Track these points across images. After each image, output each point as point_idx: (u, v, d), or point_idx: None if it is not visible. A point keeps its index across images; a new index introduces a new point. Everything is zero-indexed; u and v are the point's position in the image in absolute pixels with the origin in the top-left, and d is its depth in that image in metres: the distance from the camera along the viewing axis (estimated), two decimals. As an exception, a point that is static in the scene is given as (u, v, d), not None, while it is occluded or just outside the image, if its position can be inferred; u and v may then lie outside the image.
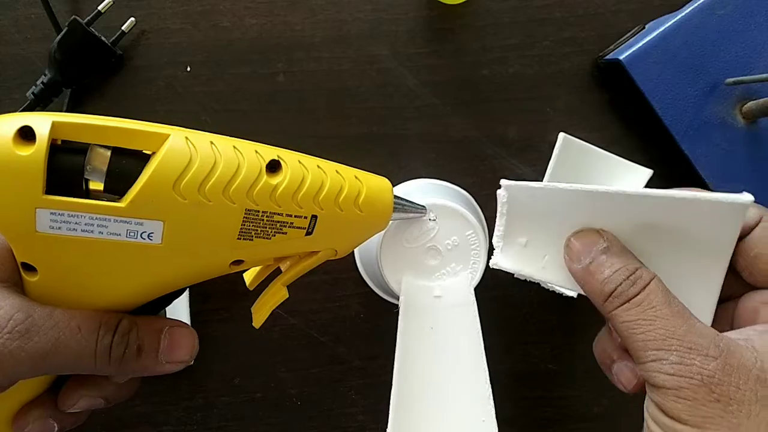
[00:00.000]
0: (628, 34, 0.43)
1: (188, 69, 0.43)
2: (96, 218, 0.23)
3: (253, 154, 0.25)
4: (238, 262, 0.27)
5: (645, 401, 0.26)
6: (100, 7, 0.41)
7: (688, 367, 0.23)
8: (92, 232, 0.24)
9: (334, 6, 0.43)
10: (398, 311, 0.35)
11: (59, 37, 0.41)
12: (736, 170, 0.41)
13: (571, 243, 0.29)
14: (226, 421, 0.44)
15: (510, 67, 0.44)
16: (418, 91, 0.44)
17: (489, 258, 0.37)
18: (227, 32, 0.43)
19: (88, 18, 0.41)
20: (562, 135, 0.41)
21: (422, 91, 0.44)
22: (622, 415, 0.45)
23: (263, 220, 0.26)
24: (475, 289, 0.36)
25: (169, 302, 0.29)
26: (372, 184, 0.29)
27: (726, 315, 0.28)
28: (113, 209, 0.23)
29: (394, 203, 0.30)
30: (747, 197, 0.25)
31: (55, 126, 0.23)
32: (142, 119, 0.24)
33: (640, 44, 0.41)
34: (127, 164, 0.24)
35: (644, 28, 0.43)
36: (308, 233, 0.27)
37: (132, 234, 0.24)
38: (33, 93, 0.41)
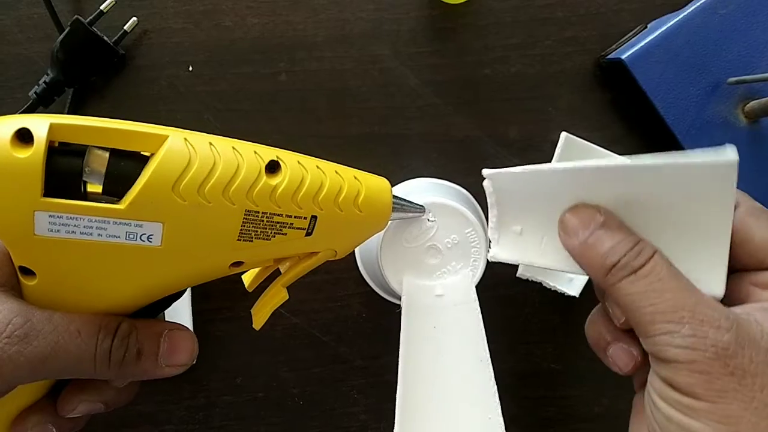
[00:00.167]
0: (630, 34, 0.43)
1: (190, 68, 0.43)
2: (95, 220, 0.23)
3: (252, 154, 0.25)
4: (238, 263, 0.27)
5: (649, 379, 0.25)
6: (102, 7, 0.41)
7: (702, 339, 0.22)
8: (91, 234, 0.23)
9: (336, 5, 0.43)
10: (400, 311, 0.35)
11: (61, 36, 0.41)
12: (738, 169, 0.41)
13: (567, 218, 0.28)
14: (228, 420, 0.44)
15: (512, 66, 0.44)
16: (420, 91, 0.44)
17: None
18: (229, 32, 0.43)
19: (91, 18, 0.41)
20: (564, 134, 0.41)
21: (424, 91, 0.44)
22: (624, 415, 0.45)
23: (263, 221, 0.26)
24: (477, 289, 0.36)
25: (169, 305, 0.29)
26: (371, 184, 0.29)
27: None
28: (112, 211, 0.23)
29: (393, 203, 0.30)
30: (731, 155, 0.24)
31: (53, 128, 0.22)
32: (144, 119, 0.24)
33: (643, 44, 0.41)
34: (125, 166, 0.24)
35: (646, 27, 0.43)
36: (308, 234, 0.27)
37: (131, 236, 0.24)
38: (35, 92, 0.41)
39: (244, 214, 0.25)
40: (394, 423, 0.32)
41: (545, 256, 0.30)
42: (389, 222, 0.32)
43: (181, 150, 0.24)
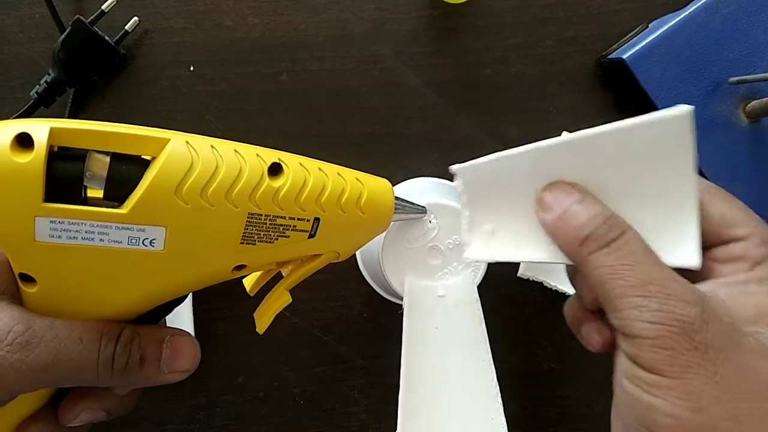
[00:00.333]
0: (632, 33, 0.43)
1: (191, 68, 0.43)
2: (97, 225, 0.23)
3: (254, 157, 0.25)
4: (241, 267, 0.27)
5: (616, 359, 0.25)
6: (103, 7, 0.41)
7: (668, 314, 0.22)
8: (93, 239, 0.23)
9: (337, 5, 0.43)
10: (402, 312, 0.35)
11: (63, 36, 0.41)
12: (739, 169, 0.41)
13: (543, 195, 0.28)
14: (229, 420, 0.44)
15: (512, 66, 0.44)
16: (421, 91, 0.44)
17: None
18: (230, 31, 0.43)
19: (92, 17, 0.41)
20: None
21: (425, 91, 0.44)
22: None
23: (266, 223, 0.25)
24: (478, 289, 0.36)
25: (170, 310, 0.28)
26: (373, 185, 0.29)
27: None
28: (114, 216, 0.23)
29: (395, 204, 0.30)
30: (685, 107, 0.24)
31: (53, 132, 0.22)
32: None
33: (644, 43, 0.41)
34: (127, 170, 0.23)
35: (647, 27, 0.43)
36: (311, 236, 0.27)
37: (134, 241, 0.24)
38: (36, 92, 0.41)
39: (247, 217, 0.25)
40: (395, 423, 0.32)
41: (519, 249, 0.30)
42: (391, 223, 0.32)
43: (183, 153, 0.24)
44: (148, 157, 0.24)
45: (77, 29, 0.41)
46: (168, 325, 0.29)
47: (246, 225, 0.25)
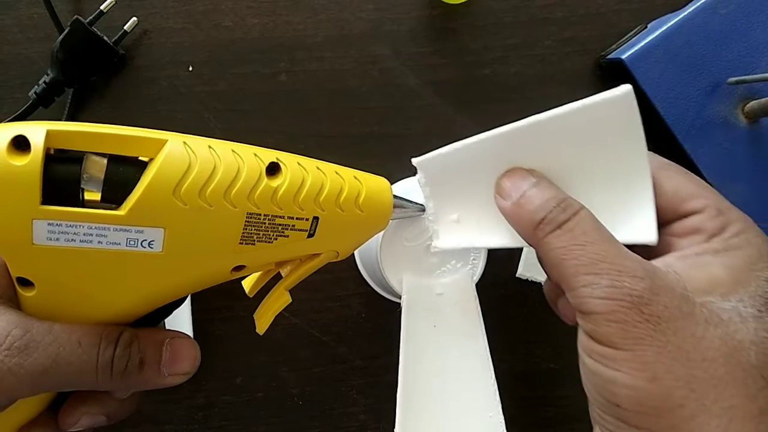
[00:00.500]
0: (630, 34, 0.43)
1: (190, 69, 0.43)
2: (95, 228, 0.23)
3: (252, 157, 0.25)
4: (240, 267, 0.27)
5: (578, 337, 0.25)
6: (102, 7, 0.41)
7: (619, 289, 0.23)
8: (91, 242, 0.23)
9: (336, 6, 0.43)
10: (400, 310, 0.35)
11: (61, 36, 0.41)
12: (738, 169, 0.41)
13: (501, 182, 0.29)
14: (227, 420, 0.44)
15: (511, 66, 0.44)
16: (420, 91, 0.44)
17: (489, 254, 0.37)
18: (229, 32, 0.43)
19: (91, 18, 0.41)
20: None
21: (424, 91, 0.44)
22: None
23: (265, 223, 0.25)
24: (477, 289, 0.36)
25: (169, 313, 0.28)
26: (371, 184, 0.29)
27: (639, 253, 0.28)
28: (113, 217, 0.23)
29: (394, 202, 0.30)
30: (626, 86, 0.25)
31: (49, 135, 0.22)
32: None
33: (643, 43, 0.41)
34: (124, 171, 0.23)
35: (646, 27, 0.43)
36: (310, 235, 0.27)
37: (132, 242, 0.24)
38: (35, 93, 0.41)
39: (246, 217, 0.25)
40: (394, 422, 0.32)
41: (483, 235, 0.31)
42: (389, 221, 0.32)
43: (181, 154, 0.23)
44: (145, 159, 0.24)
45: (76, 29, 0.41)
46: (166, 326, 0.29)
47: (245, 225, 0.25)
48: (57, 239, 0.23)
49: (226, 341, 0.44)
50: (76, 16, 0.40)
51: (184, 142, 0.24)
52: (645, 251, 0.26)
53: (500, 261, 0.43)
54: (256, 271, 0.31)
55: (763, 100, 0.40)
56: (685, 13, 0.41)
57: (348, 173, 0.28)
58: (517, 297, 0.45)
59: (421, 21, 0.44)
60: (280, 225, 0.26)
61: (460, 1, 0.43)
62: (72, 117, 0.43)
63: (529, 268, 0.42)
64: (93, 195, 0.23)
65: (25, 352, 0.23)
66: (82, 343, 0.24)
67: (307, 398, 0.45)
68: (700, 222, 0.26)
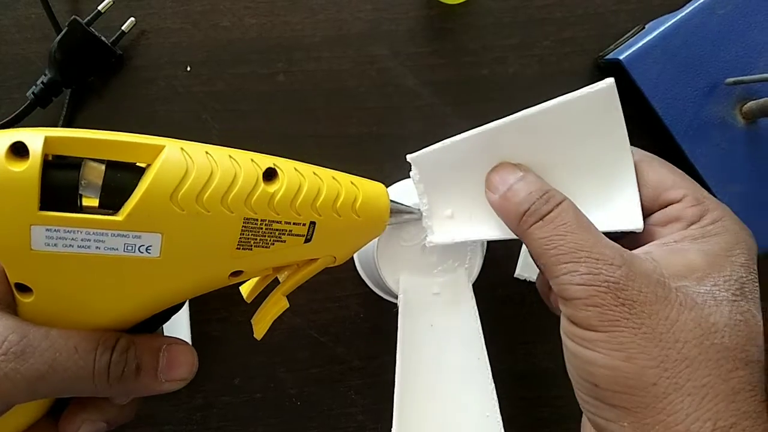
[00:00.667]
0: (628, 34, 0.43)
1: (188, 69, 0.43)
2: (93, 233, 0.23)
3: (249, 162, 0.25)
4: (238, 272, 0.27)
5: (560, 323, 0.27)
6: (100, 7, 0.41)
7: (596, 276, 0.25)
8: (89, 247, 0.23)
9: (334, 6, 0.43)
10: (398, 310, 0.35)
11: (59, 37, 0.41)
12: (736, 170, 0.41)
13: (490, 176, 0.30)
14: (225, 421, 0.44)
15: (510, 66, 0.44)
16: (418, 91, 0.44)
17: (486, 253, 0.37)
18: (227, 32, 0.43)
19: (88, 18, 0.41)
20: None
21: (422, 91, 0.44)
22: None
23: (262, 228, 0.25)
24: (474, 290, 0.36)
25: (167, 319, 0.28)
26: (368, 189, 0.29)
27: (624, 243, 0.29)
28: (110, 223, 0.23)
29: (390, 207, 0.30)
30: (608, 79, 0.26)
31: (48, 141, 0.22)
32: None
33: (640, 44, 0.41)
34: (122, 177, 0.23)
35: (644, 27, 0.43)
36: (307, 240, 0.27)
37: (130, 248, 0.24)
38: (33, 93, 0.41)
39: (243, 222, 0.25)
40: (392, 423, 0.33)
41: (474, 229, 0.32)
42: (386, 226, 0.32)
43: (178, 159, 0.24)
44: (143, 165, 0.24)
45: (74, 30, 0.40)
46: (164, 332, 0.29)
47: (242, 230, 0.25)
48: (55, 245, 0.23)
49: (224, 342, 0.44)
50: (73, 17, 0.40)
51: (182, 148, 0.24)
52: (632, 240, 0.28)
53: (498, 262, 0.43)
54: (254, 277, 0.31)
55: (761, 100, 0.40)
56: (683, 13, 0.41)
57: (345, 178, 0.28)
58: (516, 297, 0.45)
59: (420, 21, 0.44)
60: (277, 230, 0.26)
61: (458, 1, 0.43)
62: (70, 117, 0.43)
63: (527, 269, 0.43)
64: (91, 201, 0.24)
65: (22, 358, 0.23)
66: (79, 348, 0.24)
67: (305, 399, 0.45)
68: (679, 210, 0.27)
